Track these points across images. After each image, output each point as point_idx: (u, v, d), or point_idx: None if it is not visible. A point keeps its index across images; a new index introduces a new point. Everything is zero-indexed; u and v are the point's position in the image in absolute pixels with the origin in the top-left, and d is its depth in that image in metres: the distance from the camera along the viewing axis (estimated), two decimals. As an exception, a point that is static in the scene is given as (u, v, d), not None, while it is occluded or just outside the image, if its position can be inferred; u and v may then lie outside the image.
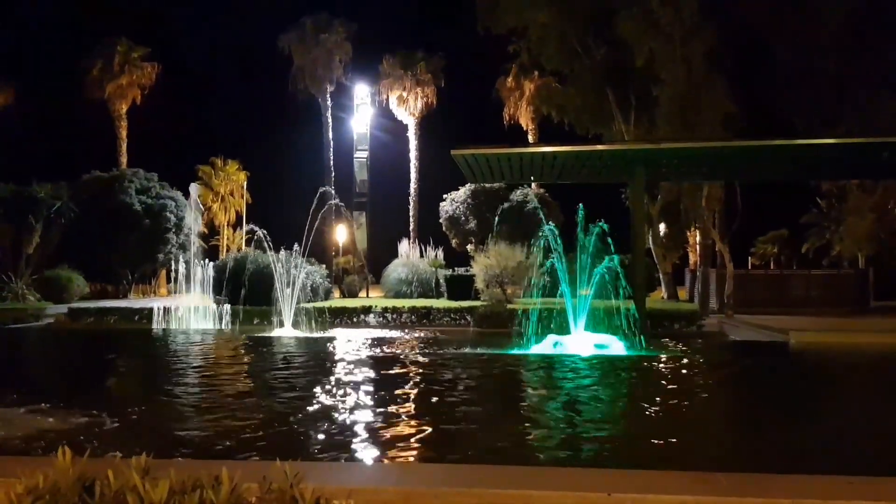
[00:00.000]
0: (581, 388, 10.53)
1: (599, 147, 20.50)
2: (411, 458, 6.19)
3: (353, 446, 6.59)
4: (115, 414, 7.67)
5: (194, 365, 13.69)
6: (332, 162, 46.54)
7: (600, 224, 15.61)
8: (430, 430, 7.36)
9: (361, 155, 44.29)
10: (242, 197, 53.60)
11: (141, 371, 13.25)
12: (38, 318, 23.25)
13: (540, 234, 16.76)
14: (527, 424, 7.73)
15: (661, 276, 32.45)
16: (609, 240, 15.56)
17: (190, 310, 21.97)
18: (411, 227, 46.20)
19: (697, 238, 32.74)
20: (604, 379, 11.72)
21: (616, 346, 14.41)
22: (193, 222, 25.75)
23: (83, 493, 2.50)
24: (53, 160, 44.27)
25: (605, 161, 18.98)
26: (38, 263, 31.86)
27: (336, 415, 8.05)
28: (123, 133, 45.54)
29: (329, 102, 46.73)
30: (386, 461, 6.04)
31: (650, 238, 29.63)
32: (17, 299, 27.85)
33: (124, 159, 44.63)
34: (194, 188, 27.49)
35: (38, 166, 37.99)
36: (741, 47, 27.10)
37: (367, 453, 6.36)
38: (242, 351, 16.07)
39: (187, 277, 23.57)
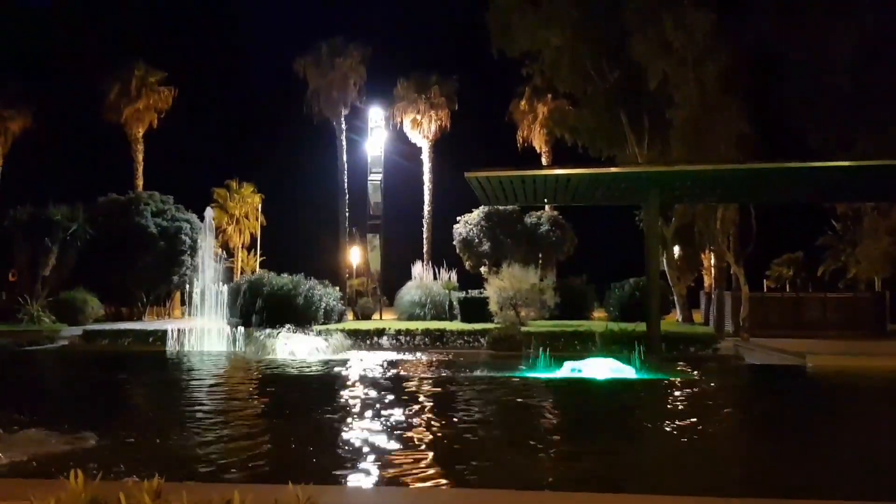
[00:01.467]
0: (596, 412, 10.44)
1: (613, 169, 20.49)
2: (423, 483, 6.14)
3: (363, 470, 6.55)
4: (129, 436, 7.67)
5: (206, 388, 13.70)
6: (346, 184, 46.74)
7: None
8: (443, 454, 7.31)
9: (375, 177, 44.44)
10: (257, 219, 53.86)
11: (154, 394, 13.26)
12: (52, 341, 23.37)
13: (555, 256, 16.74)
14: (540, 449, 7.66)
15: (675, 299, 32.21)
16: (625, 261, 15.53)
17: (204, 332, 22.03)
18: (425, 250, 46.22)
19: (712, 260, 32.52)
20: (618, 403, 11.62)
21: (630, 370, 14.29)
22: (208, 245, 25.84)
23: (94, 517, 2.50)
24: (70, 183, 44.73)
25: (618, 183, 18.96)
26: (54, 285, 32.07)
27: (346, 438, 8.02)
28: (140, 156, 46.02)
29: (343, 125, 47.03)
30: (397, 486, 6.00)
31: (664, 260, 29.47)
32: (32, 321, 28.02)
33: (140, 182, 45.06)
34: (209, 212, 27.64)
35: (55, 189, 38.43)
36: (754, 67, 27.07)
37: (377, 477, 6.32)
38: (255, 374, 16.06)
39: (201, 300, 23.65)
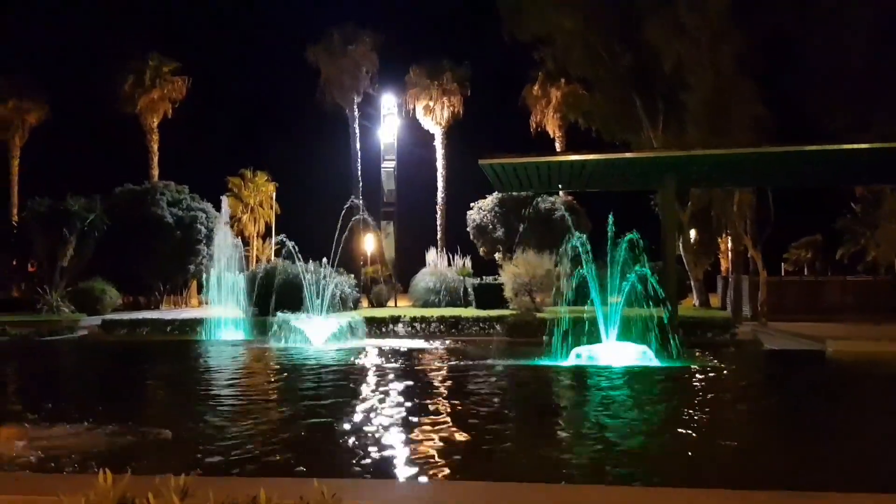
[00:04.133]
0: (614, 401, 10.41)
1: (628, 154, 20.36)
2: (446, 475, 6.15)
3: (387, 462, 6.57)
4: (155, 428, 7.73)
5: (225, 377, 13.81)
6: (359, 172, 46.75)
7: (631, 235, 15.47)
8: (465, 445, 7.32)
9: (389, 165, 44.49)
10: (272, 208, 54.02)
11: (175, 383, 13.36)
12: (72, 331, 23.58)
13: (568, 241, 16.65)
14: (563, 440, 7.66)
15: (692, 283, 32.12)
16: (640, 245, 15.42)
17: (220, 321, 22.15)
18: (439, 236, 46.24)
19: (729, 244, 32.38)
20: (636, 391, 11.58)
21: (648, 356, 14.23)
22: (223, 234, 25.93)
23: (123, 516, 2.51)
24: (86, 174, 44.97)
25: (634, 168, 18.86)
26: (73, 275, 32.36)
27: (368, 429, 8.04)
28: (155, 146, 46.27)
29: (356, 113, 46.97)
30: (421, 478, 6.01)
31: (681, 245, 29.35)
32: (51, 311, 28.31)
33: (156, 172, 45.32)
34: (224, 200, 27.74)
35: (72, 180, 38.64)
36: (770, 49, 26.80)
37: (401, 469, 6.34)
38: (273, 363, 16.15)
39: (218, 288, 23.74)
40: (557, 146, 44.82)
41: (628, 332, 15.17)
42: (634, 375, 12.91)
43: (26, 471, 5.91)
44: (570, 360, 14.28)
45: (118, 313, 29.44)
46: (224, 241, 25.29)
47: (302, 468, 6.14)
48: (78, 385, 13.93)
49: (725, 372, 13.73)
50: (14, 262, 37.13)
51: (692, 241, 32.82)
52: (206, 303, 26.09)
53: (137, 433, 7.49)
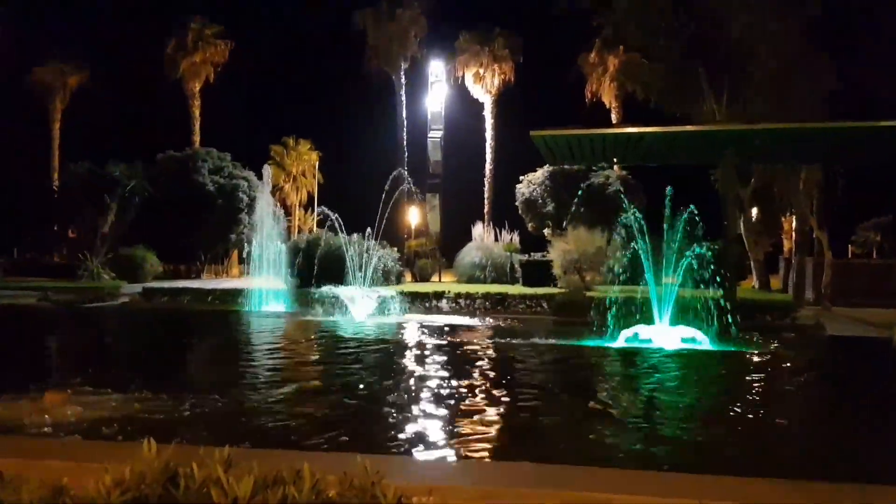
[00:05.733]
0: (666, 386, 10.35)
1: (689, 128, 19.91)
2: (490, 456, 6.20)
3: (431, 441, 6.64)
4: (200, 397, 7.92)
5: (266, 349, 14.06)
6: (405, 142, 46.74)
7: (689, 210, 15.24)
8: (511, 426, 7.36)
9: (435, 135, 44.32)
10: (314, 177, 54.53)
11: (218, 354, 13.65)
12: (114, 297, 24.22)
13: (622, 217, 16.47)
14: (611, 423, 7.64)
15: (752, 264, 31.56)
16: (698, 223, 15.19)
17: (261, 292, 22.52)
18: (486, 210, 46.13)
19: (793, 224, 31.67)
20: (691, 376, 11.49)
21: (703, 340, 14.07)
22: (266, 203, 26.27)
23: (168, 485, 2.59)
24: (128, 140, 45.90)
25: (695, 142, 18.48)
26: (114, 242, 33.18)
27: (414, 407, 8.12)
28: (197, 112, 46.92)
29: (403, 80, 46.86)
30: (465, 458, 6.07)
31: (741, 223, 28.81)
32: (92, 278, 29.05)
33: (197, 138, 46.01)
34: (267, 169, 28.04)
35: (114, 146, 39.54)
36: (845, 18, 25.93)
37: (445, 449, 6.40)
38: (313, 336, 16.38)
39: (259, 259, 24.10)
40: (613, 117, 44.20)
41: (683, 313, 15.00)
42: (687, 359, 12.79)
43: (74, 435, 6.13)
44: (621, 342, 14.20)
45: (158, 281, 30.14)
46: (266, 211, 25.62)
47: (346, 441, 6.25)
48: (122, 352, 14.33)
49: (784, 358, 13.50)
50: (55, 228, 38.21)
51: (753, 219, 32.17)
52: (247, 273, 26.53)
53: (182, 402, 7.69)
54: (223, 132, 46.58)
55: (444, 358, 12.52)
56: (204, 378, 10.41)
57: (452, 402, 8.50)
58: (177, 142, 41.21)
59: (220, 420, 7.23)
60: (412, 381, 9.97)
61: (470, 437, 6.73)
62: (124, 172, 33.96)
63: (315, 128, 54.78)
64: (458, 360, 12.18)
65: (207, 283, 30.36)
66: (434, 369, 11.14)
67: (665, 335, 14.34)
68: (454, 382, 9.89)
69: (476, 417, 7.63)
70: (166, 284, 27.33)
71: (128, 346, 15.49)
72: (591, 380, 11.04)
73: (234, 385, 9.30)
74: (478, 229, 36.71)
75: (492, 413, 7.90)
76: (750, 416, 8.35)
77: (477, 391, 9.26)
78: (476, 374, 10.70)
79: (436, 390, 9.23)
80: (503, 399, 8.76)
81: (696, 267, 15.01)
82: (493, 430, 7.05)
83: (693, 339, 14.09)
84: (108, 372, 10.20)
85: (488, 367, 11.69)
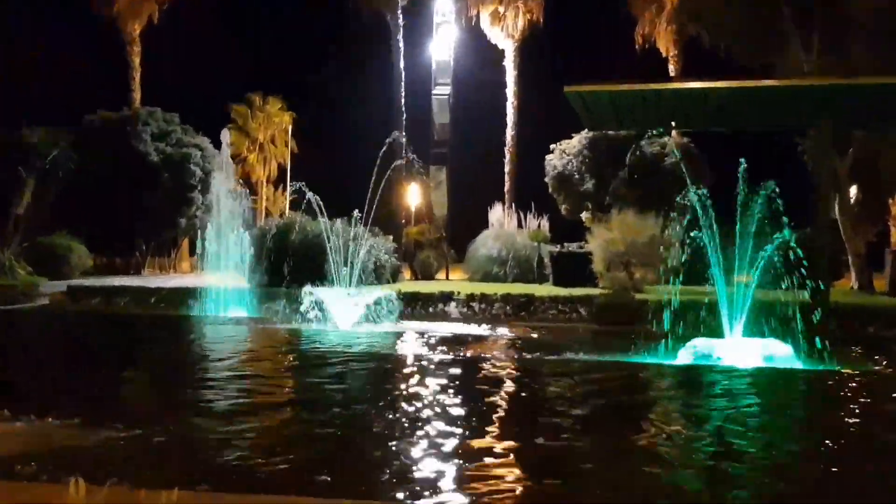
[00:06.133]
0: (748, 422, 10.26)
1: (770, 82, 19.81)
2: None
3: (438, 487, 6.62)
4: (137, 429, 7.91)
5: (224, 366, 14.07)
6: (403, 100, 46.65)
7: (769, 186, 15.15)
8: (551, 472, 7.32)
9: (442, 91, 44.19)
10: (287, 145, 54.64)
11: (162, 370, 13.66)
12: (31, 299, 24.30)
13: (681, 198, 16.43)
14: (667, 466, 7.61)
15: (850, 259, 31.52)
16: (781, 207, 15.12)
17: (219, 292, 22.55)
18: (506, 188, 46.16)
19: (903, 208, 31.65)
20: (772, 404, 11.43)
21: (787, 356, 14.04)
22: (224, 178, 26.31)
23: (100, 538, 2.57)
24: (48, 98, 45.95)
25: (777, 101, 18.46)
26: (31, 228, 33.24)
27: (414, 449, 8.07)
28: (136, 61, 46.90)
29: (401, 21, 46.65)
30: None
31: (836, 207, 28.75)
32: (3, 273, 29.03)
33: (137, 95, 46.05)
34: (226, 134, 28.07)
35: (30, 106, 39.55)
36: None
37: (454, 497, 6.39)
38: (284, 350, 16.39)
39: (216, 249, 24.11)
40: (671, 69, 44.15)
41: (761, 322, 14.96)
42: (768, 381, 12.77)
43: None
44: (682, 359, 14.17)
45: (88, 278, 30.25)
46: (224, 188, 25.64)
47: (326, 480, 6.24)
48: (40, 369, 14.33)
49: (893, 381, 13.43)
50: (-46, 209, 38.30)
51: (852, 201, 32.09)
52: (201, 268, 26.59)
53: (118, 431, 7.67)
54: (171, 88, 46.72)
55: (451, 381, 12.48)
56: (146, 402, 10.40)
57: (459, 443, 8.45)
58: (111, 100, 41.34)
59: (166, 455, 7.22)
60: (413, 415, 9.89)
61: (483, 489, 6.69)
62: (43, 139, 34.02)
63: (288, 82, 54.97)
64: (470, 384, 12.12)
65: (150, 280, 30.47)
66: (438, 398, 11.07)
67: (739, 350, 14.31)
68: (463, 412, 9.84)
69: (493, 466, 7.55)
70: (98, 282, 27.41)
71: (48, 361, 15.50)
72: (645, 411, 10.96)
73: (184, 411, 9.29)
74: (496, 213, 36.72)
75: (525, 456, 7.83)
76: (843, 456, 8.29)
77: (492, 428, 9.17)
78: (492, 404, 10.61)
79: (439, 426, 9.15)
80: (536, 434, 8.66)
81: (778, 262, 14.95)
82: (528, 478, 7.01)
83: (774, 356, 14.06)
84: (22, 394, 10.19)
85: (509, 393, 11.63)
